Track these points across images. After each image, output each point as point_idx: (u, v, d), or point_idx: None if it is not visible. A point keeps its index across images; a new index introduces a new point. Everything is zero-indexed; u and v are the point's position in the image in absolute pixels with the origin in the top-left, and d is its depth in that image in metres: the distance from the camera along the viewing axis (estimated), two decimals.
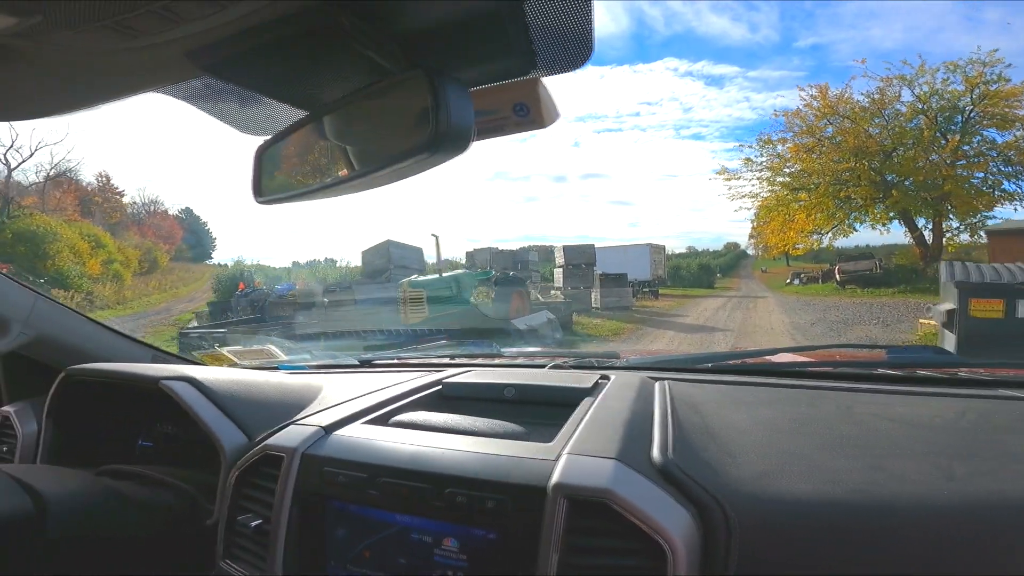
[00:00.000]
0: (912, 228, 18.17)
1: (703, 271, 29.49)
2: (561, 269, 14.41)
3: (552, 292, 14.13)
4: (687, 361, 1.13)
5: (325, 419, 0.81)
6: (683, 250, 41.97)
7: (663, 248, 24.42)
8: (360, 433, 0.77)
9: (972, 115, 15.95)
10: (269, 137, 0.55)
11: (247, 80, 0.48)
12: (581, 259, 14.32)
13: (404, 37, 0.43)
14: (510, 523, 0.59)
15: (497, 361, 1.34)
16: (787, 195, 19.74)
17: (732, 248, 41.40)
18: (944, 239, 17.50)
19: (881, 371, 0.99)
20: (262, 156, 0.54)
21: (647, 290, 18.30)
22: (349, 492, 0.69)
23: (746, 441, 0.69)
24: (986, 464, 0.61)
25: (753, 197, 20.49)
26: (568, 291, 13.75)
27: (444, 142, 0.41)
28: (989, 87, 15.28)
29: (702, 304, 15.84)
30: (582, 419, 0.74)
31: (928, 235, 17.87)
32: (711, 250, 41.70)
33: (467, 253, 19.22)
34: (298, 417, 0.85)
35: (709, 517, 0.57)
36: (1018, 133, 15.18)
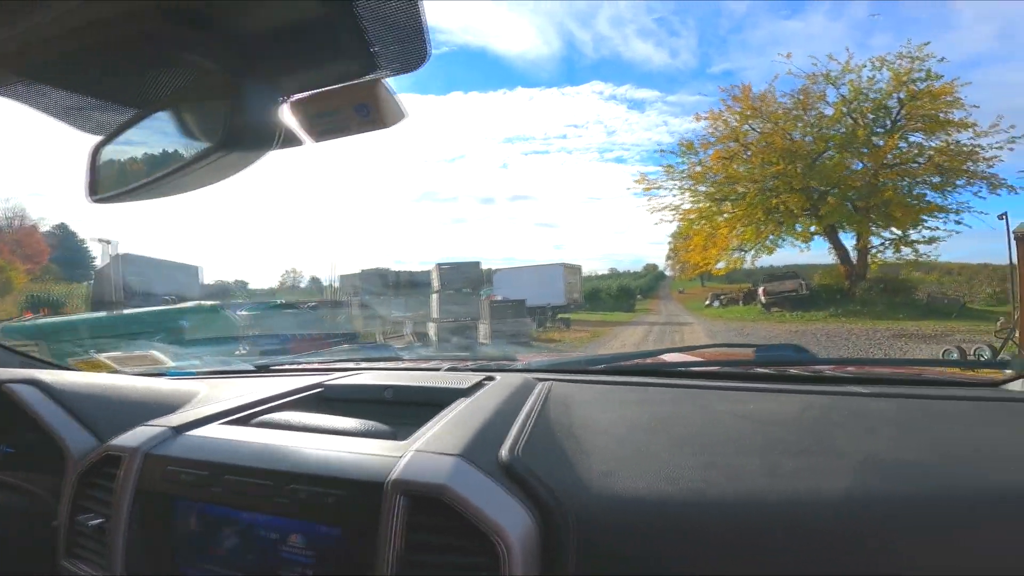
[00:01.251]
0: (837, 245, 16.64)
1: (623, 294, 27.59)
2: (437, 295, 10.67)
3: (406, 331, 10.34)
4: (581, 363, 1.17)
5: (178, 420, 0.81)
6: (605, 271, 42.09)
7: (579, 269, 21.61)
8: (213, 433, 0.78)
9: (899, 118, 14.55)
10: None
11: (68, 82, 0.49)
12: (461, 282, 10.66)
13: (233, 40, 0.43)
14: (352, 519, 0.60)
15: (393, 365, 1.35)
16: (711, 207, 17.66)
17: (651, 270, 41.52)
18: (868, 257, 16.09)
19: (747, 369, 1.06)
20: (96, 154, 0.54)
21: (558, 318, 15.09)
22: (193, 490, 0.69)
23: (603, 440, 0.72)
24: (811, 460, 0.63)
25: (674, 210, 18.24)
26: (443, 324, 10.04)
27: (238, 141, 0.43)
28: (916, 86, 13.90)
29: (621, 335, 12.87)
30: (446, 418, 0.77)
31: (853, 252, 16.37)
32: (632, 271, 41.12)
33: (340, 276, 15.39)
34: (155, 419, 0.84)
35: (549, 515, 0.59)
36: (949, 138, 13.78)
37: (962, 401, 0.81)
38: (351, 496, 0.60)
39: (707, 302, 22.43)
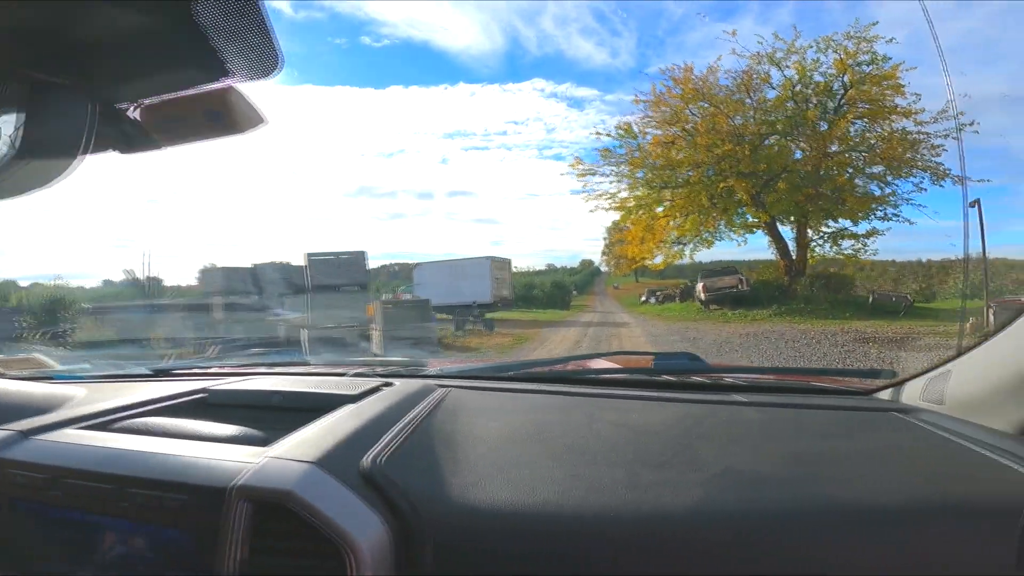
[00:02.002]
0: (776, 237, 15.73)
1: (558, 290, 25.88)
2: (310, 295, 8.07)
3: (280, 336, 7.76)
4: (488, 370, 1.20)
5: (30, 424, 0.81)
6: (543, 267, 41.01)
7: (508, 263, 19.51)
8: (62, 437, 0.77)
9: (843, 103, 13.66)
10: None
11: None
12: (341, 277, 8.15)
13: (68, 48, 0.43)
14: (196, 523, 0.60)
15: (299, 369, 1.35)
16: (650, 194, 16.21)
17: (587, 265, 41.26)
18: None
19: (644, 377, 1.09)
20: None
21: (484, 318, 12.96)
22: (32, 493, 0.69)
23: (480, 449, 0.73)
24: (671, 473, 0.64)
25: (611, 197, 16.63)
26: (316, 330, 7.52)
27: (36, 150, 0.43)
28: (862, 68, 13.01)
29: (552, 338, 10.97)
30: (319, 424, 0.77)
31: (792, 246, 15.52)
32: (568, 267, 40.71)
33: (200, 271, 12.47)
34: (8, 424, 0.83)
35: (406, 524, 0.59)
36: (892, 126, 12.99)
37: (834, 410, 0.87)
38: (193, 501, 0.61)
39: (642, 298, 21.30)
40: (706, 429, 0.78)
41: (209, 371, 1.31)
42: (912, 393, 0.88)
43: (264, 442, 0.72)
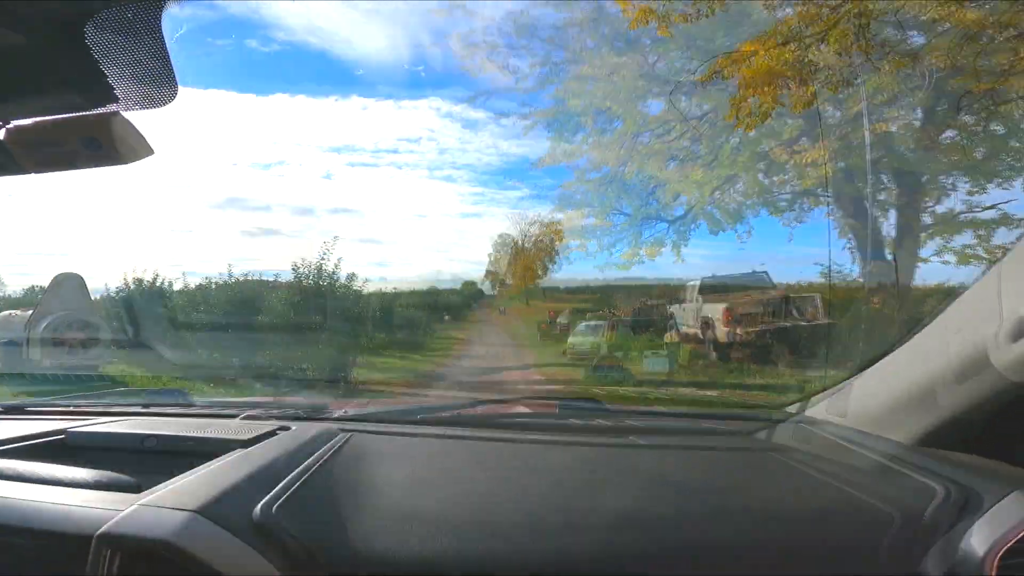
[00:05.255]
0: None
1: (422, 317, 19.22)
2: None
3: None
4: (394, 413, 1.19)
5: None
6: (426, 287, 36.39)
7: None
8: None
9: None
10: None
11: None
12: None
13: None
14: (63, 570, 0.58)
15: (180, 411, 1.28)
16: None
17: (469, 287, 36.70)
18: None
19: (550, 421, 1.15)
20: None
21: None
22: None
23: (384, 496, 0.74)
24: (574, 516, 0.67)
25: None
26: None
27: None
28: None
29: None
30: (205, 470, 0.75)
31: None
32: (451, 288, 36.11)
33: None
34: None
35: (302, 572, 0.59)
36: None
37: (720, 451, 0.93)
38: (58, 548, 0.58)
39: (561, 322, 16.04)
40: (606, 472, 0.82)
41: (70, 410, 1.22)
42: (818, 408, 0.96)
43: (136, 488, 0.70)
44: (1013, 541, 0.53)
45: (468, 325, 26.13)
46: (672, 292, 12.79)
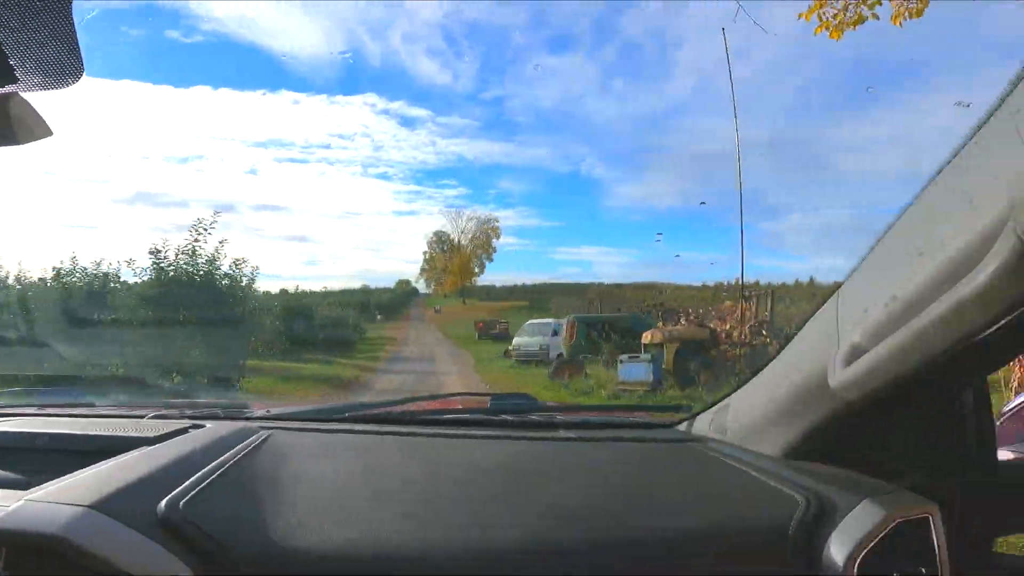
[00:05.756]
0: None
1: (353, 318, 17.86)
2: None
3: None
4: (318, 412, 1.13)
5: None
6: (358, 286, 35.81)
7: None
8: None
9: None
10: None
11: None
12: None
13: None
14: None
15: (80, 411, 1.19)
16: None
17: (403, 285, 35.79)
18: None
19: (481, 417, 1.09)
20: None
21: None
22: None
23: (305, 491, 0.71)
24: (504, 508, 0.67)
25: None
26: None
27: None
28: None
29: None
30: (102, 468, 0.72)
31: None
32: (383, 287, 35.30)
33: None
34: None
35: (215, 568, 0.58)
36: None
37: (645, 443, 0.93)
38: None
39: (501, 321, 15.31)
40: (537, 465, 0.82)
41: None
42: (703, 425, 0.94)
43: (26, 486, 0.68)
44: (867, 549, 0.57)
45: (402, 324, 25.36)
46: (606, 292, 13.00)
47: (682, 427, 0.99)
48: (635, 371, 7.57)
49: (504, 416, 1.08)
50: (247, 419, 1.05)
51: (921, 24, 3.64)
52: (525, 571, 0.58)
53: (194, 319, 8.02)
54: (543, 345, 12.00)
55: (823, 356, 0.66)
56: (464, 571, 0.57)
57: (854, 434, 0.73)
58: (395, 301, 30.12)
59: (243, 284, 9.23)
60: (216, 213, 8.86)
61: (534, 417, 1.09)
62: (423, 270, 32.10)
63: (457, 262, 26.45)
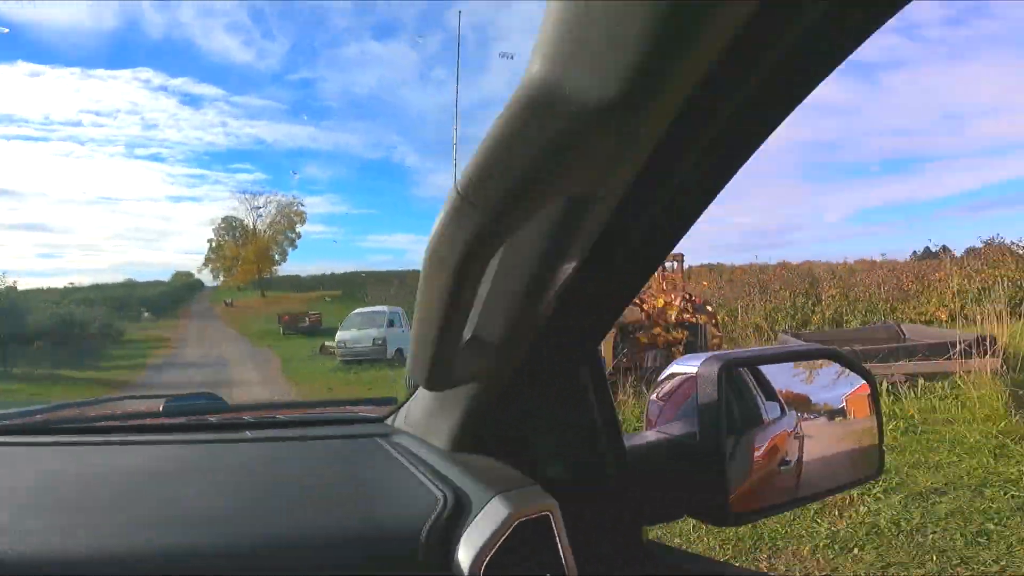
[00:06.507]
0: None
1: (69, 319, 13.53)
2: None
3: None
4: None
5: None
6: (120, 280, 29.82)
7: None
8: None
9: None
10: None
11: None
12: None
13: None
14: None
15: None
16: None
17: (183, 278, 29.89)
18: None
19: (153, 422, 1.03)
20: None
21: None
22: None
23: None
24: (121, 516, 0.63)
25: None
26: None
27: None
28: None
29: None
30: None
31: None
32: (156, 281, 29.13)
33: None
34: None
35: None
36: None
37: (350, 439, 0.88)
38: None
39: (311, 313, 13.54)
40: (189, 469, 0.77)
41: None
42: (400, 418, 0.92)
43: None
44: (493, 551, 0.54)
45: (180, 321, 21.19)
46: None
47: (390, 420, 0.94)
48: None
49: (182, 418, 1.03)
50: None
51: None
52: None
53: None
54: (377, 339, 10.66)
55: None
56: None
57: (502, 423, 0.71)
58: (170, 296, 25.04)
59: None
60: None
61: (212, 419, 1.03)
62: (208, 260, 27.35)
63: (252, 249, 23.20)
